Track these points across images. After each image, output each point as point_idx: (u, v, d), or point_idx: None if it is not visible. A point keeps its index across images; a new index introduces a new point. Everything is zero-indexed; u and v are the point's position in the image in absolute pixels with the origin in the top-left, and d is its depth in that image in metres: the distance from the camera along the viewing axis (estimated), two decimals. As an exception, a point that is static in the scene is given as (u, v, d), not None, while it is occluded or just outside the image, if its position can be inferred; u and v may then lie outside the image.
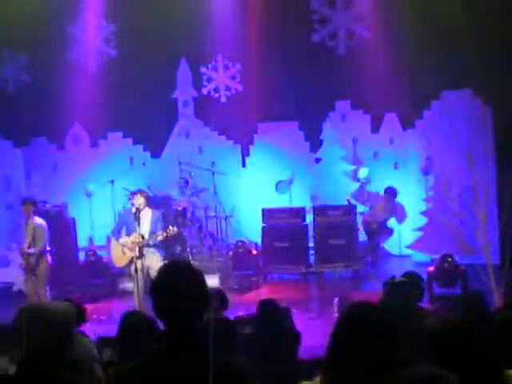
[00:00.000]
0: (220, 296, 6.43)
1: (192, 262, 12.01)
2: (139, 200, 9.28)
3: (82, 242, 13.36)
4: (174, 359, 2.69)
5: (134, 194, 9.52)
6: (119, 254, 9.38)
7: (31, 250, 9.74)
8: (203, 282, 2.85)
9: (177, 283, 2.76)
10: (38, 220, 9.94)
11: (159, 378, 2.68)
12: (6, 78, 14.08)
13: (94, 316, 9.99)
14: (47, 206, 12.36)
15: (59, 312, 3.17)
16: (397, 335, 2.86)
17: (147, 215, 9.32)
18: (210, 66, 14.33)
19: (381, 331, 2.81)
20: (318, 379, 2.94)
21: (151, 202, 9.88)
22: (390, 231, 12.64)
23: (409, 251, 13.03)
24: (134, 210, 9.25)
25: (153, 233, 9.20)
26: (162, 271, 2.87)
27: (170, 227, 9.24)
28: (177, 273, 2.82)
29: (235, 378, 2.72)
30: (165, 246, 9.88)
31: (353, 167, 13.55)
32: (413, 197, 13.17)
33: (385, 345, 2.77)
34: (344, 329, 2.86)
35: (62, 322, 3.13)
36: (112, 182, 12.68)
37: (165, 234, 9.16)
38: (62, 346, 3.05)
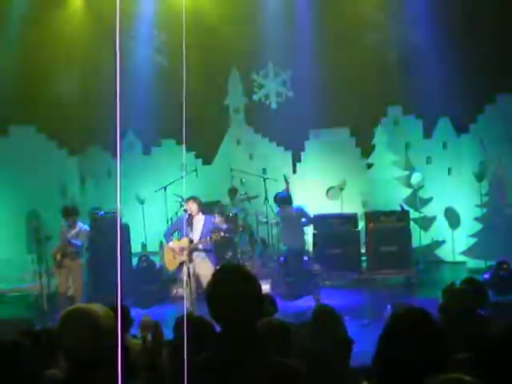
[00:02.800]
0: (269, 300, 6.41)
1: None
2: (192, 206, 9.38)
3: (135, 247, 13.51)
4: (233, 360, 2.71)
5: (186, 200, 9.61)
6: (170, 257, 9.53)
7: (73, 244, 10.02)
8: (257, 284, 2.87)
9: (231, 286, 2.78)
10: (81, 226, 10.37)
11: (221, 376, 2.70)
12: (63, 89, 14.32)
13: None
14: (101, 212, 12.54)
15: (97, 316, 3.18)
16: (442, 339, 2.82)
17: (200, 221, 9.41)
18: (260, 73, 14.37)
19: (429, 334, 2.78)
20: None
21: (204, 206, 9.95)
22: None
23: (463, 258, 12.82)
24: (186, 216, 9.34)
25: (203, 238, 9.29)
26: (217, 275, 2.90)
27: (215, 232, 9.30)
28: (231, 276, 2.84)
29: (292, 379, 2.73)
30: (215, 251, 9.93)
31: (405, 173, 13.41)
32: (467, 202, 12.96)
33: (432, 349, 2.75)
34: (394, 332, 2.84)
35: (98, 326, 3.14)
36: (165, 188, 12.78)
37: (208, 239, 9.22)
38: (97, 348, 3.06)
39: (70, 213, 10.29)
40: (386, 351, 2.85)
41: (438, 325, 2.88)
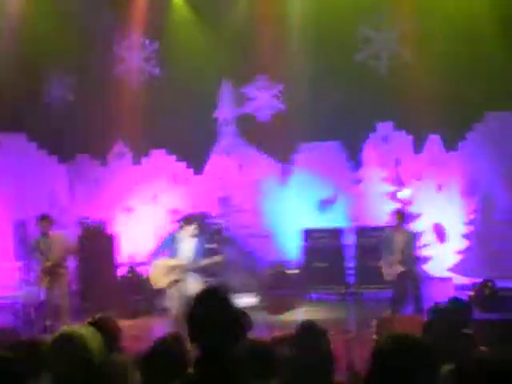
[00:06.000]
0: (245, 317, 6.40)
1: (230, 279, 12.03)
2: (193, 229, 9.28)
3: (123, 257, 13.48)
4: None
5: (188, 222, 9.43)
6: (159, 275, 9.33)
7: (49, 264, 9.93)
8: (235, 309, 2.86)
9: (209, 312, 2.78)
10: (56, 233, 10.20)
11: None
12: (53, 97, 14.32)
13: (133, 332, 10.05)
14: (89, 221, 12.53)
15: (85, 341, 3.20)
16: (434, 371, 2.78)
17: (192, 241, 9.29)
18: (251, 86, 14.40)
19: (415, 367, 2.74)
20: None
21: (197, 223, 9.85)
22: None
23: (449, 274, 12.85)
24: (181, 234, 9.24)
25: (196, 259, 9.18)
26: (196, 299, 2.90)
27: (217, 257, 9.25)
28: (209, 301, 2.84)
29: None
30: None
31: (394, 188, 13.44)
32: (455, 219, 13.00)
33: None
34: (380, 366, 2.78)
35: (86, 352, 3.16)
36: (154, 198, 12.78)
37: (209, 262, 9.17)
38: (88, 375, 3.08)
39: (43, 217, 10.20)
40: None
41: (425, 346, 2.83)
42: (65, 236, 10.31)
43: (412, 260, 10.15)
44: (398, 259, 10.08)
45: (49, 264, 10.03)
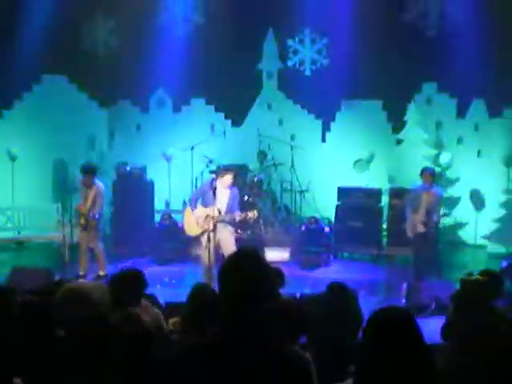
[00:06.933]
0: (276, 273, 6.49)
1: (264, 233, 12.12)
2: (229, 179, 9.34)
3: (159, 205, 13.61)
4: (233, 346, 2.74)
5: (224, 172, 9.48)
6: (192, 223, 9.47)
7: (92, 213, 10.12)
8: (268, 271, 2.88)
9: (240, 273, 2.80)
10: (99, 186, 10.34)
11: (218, 362, 2.74)
12: (96, 41, 14.33)
13: (166, 279, 10.24)
14: (128, 168, 12.64)
15: (94, 294, 3.29)
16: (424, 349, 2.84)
17: (226, 191, 9.37)
18: (296, 39, 14.24)
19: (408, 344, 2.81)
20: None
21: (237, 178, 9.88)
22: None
23: (484, 241, 12.76)
24: (215, 184, 9.30)
25: (230, 211, 9.27)
26: (228, 260, 2.92)
27: (251, 212, 9.29)
28: (241, 262, 2.86)
29: (299, 375, 2.76)
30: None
31: (434, 151, 13.28)
32: (493, 187, 12.86)
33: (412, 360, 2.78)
34: (371, 342, 2.87)
35: (95, 304, 3.24)
36: (192, 148, 12.81)
37: (243, 216, 9.24)
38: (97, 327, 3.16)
39: (87, 171, 10.31)
40: (367, 345, 2.89)
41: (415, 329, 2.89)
42: (102, 192, 10.43)
43: (433, 222, 10.01)
44: (421, 219, 9.96)
45: (85, 211, 10.22)
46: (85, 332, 3.28)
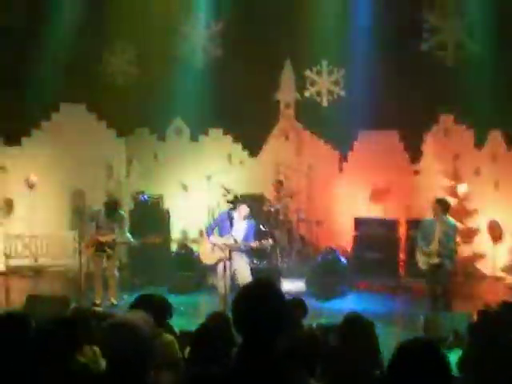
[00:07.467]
0: (298, 304, 6.47)
1: (280, 264, 12.08)
2: (245, 211, 9.42)
3: (175, 233, 13.62)
4: (248, 376, 2.71)
5: (242, 202, 9.63)
6: (208, 251, 9.54)
7: (102, 239, 10.34)
8: (283, 303, 2.86)
9: (255, 304, 2.78)
10: (124, 215, 10.70)
11: None
12: (115, 70, 14.48)
13: (182, 308, 10.20)
14: (145, 197, 12.70)
15: (139, 327, 3.24)
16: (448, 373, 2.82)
17: (245, 222, 9.46)
18: (314, 70, 14.31)
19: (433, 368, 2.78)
20: None
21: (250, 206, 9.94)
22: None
23: (503, 274, 12.63)
24: (232, 214, 9.40)
25: (246, 240, 9.33)
26: (244, 289, 2.90)
27: (266, 241, 9.34)
28: (256, 293, 2.83)
29: None
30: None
31: (452, 182, 13.22)
32: (511, 218, 12.75)
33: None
34: (399, 363, 2.84)
35: (141, 336, 3.21)
36: (209, 177, 12.86)
37: (259, 245, 9.29)
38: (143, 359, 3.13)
39: (111, 207, 10.45)
40: (392, 378, 2.85)
41: (444, 359, 2.86)
42: (126, 218, 10.58)
43: (448, 253, 9.69)
44: (434, 250, 9.72)
45: (102, 240, 10.27)
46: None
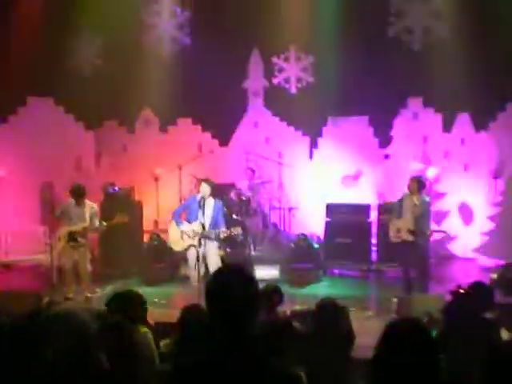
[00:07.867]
0: (275, 291, 6.47)
1: (253, 252, 12.09)
2: (205, 189, 9.36)
3: (148, 225, 13.54)
4: (225, 363, 2.71)
5: (201, 182, 9.61)
6: (177, 238, 9.53)
7: (74, 229, 10.11)
8: (255, 287, 2.84)
9: (227, 290, 2.76)
10: (94, 206, 10.40)
11: (211, 380, 2.70)
12: (82, 61, 14.31)
13: (156, 300, 10.14)
14: (116, 188, 12.58)
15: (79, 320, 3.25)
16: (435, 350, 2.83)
17: (210, 205, 9.40)
18: (282, 57, 14.29)
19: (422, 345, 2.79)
20: None
21: (216, 190, 9.90)
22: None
23: (474, 255, 12.77)
24: (198, 197, 9.35)
25: (215, 226, 9.29)
26: (215, 277, 2.88)
27: (235, 229, 9.28)
28: (228, 279, 2.82)
29: None
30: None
31: (422, 166, 13.31)
32: (481, 200, 12.89)
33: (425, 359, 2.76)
34: (386, 351, 2.85)
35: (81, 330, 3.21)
36: (179, 167, 12.79)
37: (228, 233, 9.26)
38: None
39: (78, 193, 10.23)
40: (381, 359, 2.86)
41: (430, 336, 2.88)
42: (96, 210, 10.38)
43: (423, 232, 9.61)
44: (408, 227, 9.68)
45: (73, 229, 10.13)
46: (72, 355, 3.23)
